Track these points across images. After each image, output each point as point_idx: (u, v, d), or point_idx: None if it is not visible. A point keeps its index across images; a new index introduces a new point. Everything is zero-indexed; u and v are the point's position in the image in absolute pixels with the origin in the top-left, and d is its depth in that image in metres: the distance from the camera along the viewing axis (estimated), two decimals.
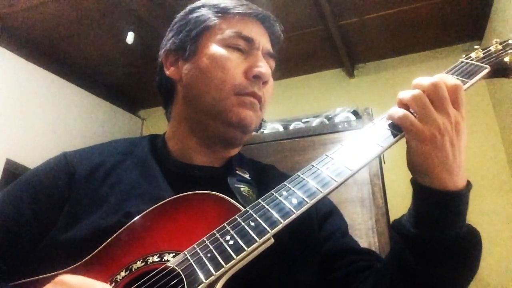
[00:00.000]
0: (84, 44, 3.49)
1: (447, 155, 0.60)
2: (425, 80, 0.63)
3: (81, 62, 3.72)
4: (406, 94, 0.63)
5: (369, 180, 1.61)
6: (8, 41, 3.28)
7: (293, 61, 3.61)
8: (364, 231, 1.53)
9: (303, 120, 2.07)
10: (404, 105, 0.64)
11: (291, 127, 2.03)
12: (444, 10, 3.09)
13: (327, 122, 1.99)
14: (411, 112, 0.63)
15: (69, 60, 3.67)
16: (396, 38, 3.43)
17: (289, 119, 2.10)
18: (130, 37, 3.23)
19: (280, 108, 3.16)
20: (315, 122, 2.02)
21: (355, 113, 1.97)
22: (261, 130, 2.01)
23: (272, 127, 2.03)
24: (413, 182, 0.65)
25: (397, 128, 0.64)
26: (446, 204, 0.61)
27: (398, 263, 0.65)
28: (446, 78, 0.63)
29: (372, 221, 1.55)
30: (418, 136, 0.60)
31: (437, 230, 0.61)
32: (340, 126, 1.82)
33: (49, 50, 3.51)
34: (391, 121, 0.66)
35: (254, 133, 1.98)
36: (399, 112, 0.63)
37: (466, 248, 0.62)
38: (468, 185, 0.64)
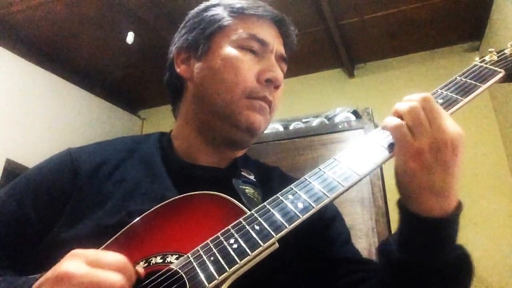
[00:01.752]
0: (84, 44, 3.48)
1: (434, 177, 0.57)
2: (416, 95, 0.61)
3: (81, 62, 3.71)
4: (402, 105, 0.61)
5: (369, 180, 1.61)
6: (8, 41, 3.27)
7: (293, 61, 3.58)
8: (364, 231, 1.53)
9: (303, 120, 2.07)
10: (399, 116, 0.62)
11: (291, 127, 2.03)
12: (444, 10, 3.09)
13: (327, 122, 1.99)
14: None
15: (69, 60, 3.67)
16: (396, 38, 3.42)
17: (289, 119, 2.10)
18: (130, 37, 3.22)
19: (280, 108, 3.14)
20: (315, 122, 2.02)
21: (355, 113, 1.97)
22: None
23: (272, 127, 2.03)
24: (399, 205, 0.62)
25: None
26: (432, 231, 0.58)
27: (383, 284, 0.65)
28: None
29: (372, 221, 1.55)
30: (407, 149, 0.57)
31: (421, 256, 0.59)
32: (340, 126, 1.82)
33: (49, 50, 3.51)
34: None
35: None
36: (393, 120, 0.60)
37: (452, 274, 0.60)
38: (459, 207, 0.60)
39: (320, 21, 3.24)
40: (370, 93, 3.53)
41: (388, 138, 0.63)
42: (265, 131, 1.95)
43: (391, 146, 0.62)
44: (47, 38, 3.38)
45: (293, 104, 3.51)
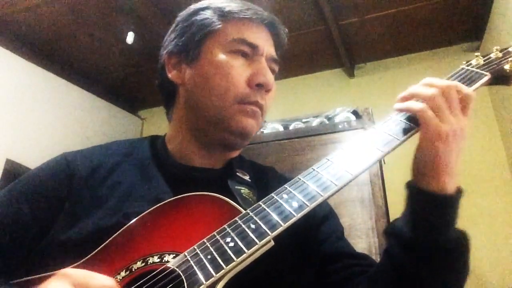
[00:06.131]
0: (84, 44, 3.48)
1: (453, 157, 0.62)
2: (439, 81, 0.65)
3: (81, 62, 3.71)
4: (423, 90, 0.65)
5: (369, 180, 1.61)
6: (8, 41, 3.27)
7: (293, 61, 3.60)
8: (364, 231, 1.53)
9: (303, 120, 2.07)
10: (414, 97, 0.66)
11: (291, 127, 2.03)
12: (444, 10, 3.09)
13: (327, 122, 1.99)
14: None
15: (69, 60, 3.67)
16: (396, 38, 3.42)
17: (289, 119, 2.10)
18: (130, 37, 3.22)
19: (280, 108, 3.15)
20: (315, 122, 2.02)
21: (355, 113, 1.97)
22: (261, 130, 2.01)
23: (272, 127, 2.03)
24: (411, 185, 0.65)
25: (397, 133, 0.65)
26: (445, 207, 0.62)
27: (393, 267, 0.65)
28: (461, 86, 0.68)
29: (372, 221, 1.55)
30: (436, 131, 0.62)
31: (434, 234, 0.62)
32: (340, 126, 1.82)
33: (49, 50, 3.51)
34: (391, 127, 0.66)
35: None
36: (419, 104, 0.64)
37: (460, 249, 0.63)
38: (461, 189, 0.65)
39: (320, 21, 3.24)
40: (370, 93, 3.53)
41: (382, 137, 0.65)
42: (265, 131, 1.98)
43: (384, 146, 0.64)
44: (47, 38, 3.38)
45: (293, 104, 3.52)
